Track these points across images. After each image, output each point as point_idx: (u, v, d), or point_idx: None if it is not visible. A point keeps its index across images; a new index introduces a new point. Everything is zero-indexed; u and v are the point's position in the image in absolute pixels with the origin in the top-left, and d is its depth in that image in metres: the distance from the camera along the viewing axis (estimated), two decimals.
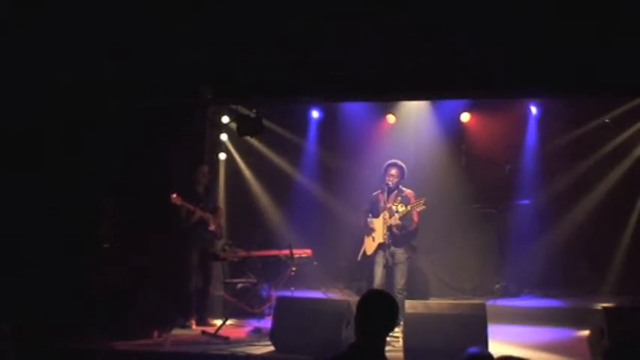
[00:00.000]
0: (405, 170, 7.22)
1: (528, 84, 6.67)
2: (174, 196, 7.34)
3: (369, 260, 7.27)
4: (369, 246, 7.26)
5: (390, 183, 7.13)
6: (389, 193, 7.14)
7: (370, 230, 7.23)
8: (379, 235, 7.07)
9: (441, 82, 6.75)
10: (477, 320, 5.90)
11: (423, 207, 6.94)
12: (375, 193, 7.36)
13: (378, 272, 7.03)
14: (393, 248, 7.01)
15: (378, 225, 7.14)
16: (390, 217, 6.97)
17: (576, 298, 8.17)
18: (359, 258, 7.43)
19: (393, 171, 7.15)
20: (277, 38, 6.75)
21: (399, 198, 7.07)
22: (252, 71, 6.89)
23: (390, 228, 6.96)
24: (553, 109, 8.82)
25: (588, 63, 6.30)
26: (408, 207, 6.94)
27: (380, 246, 7.07)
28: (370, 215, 7.34)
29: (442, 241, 8.80)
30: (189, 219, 7.56)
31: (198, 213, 7.58)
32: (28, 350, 5.96)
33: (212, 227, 7.79)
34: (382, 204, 7.16)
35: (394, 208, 6.96)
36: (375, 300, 3.36)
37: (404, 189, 7.21)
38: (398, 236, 7.04)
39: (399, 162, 7.23)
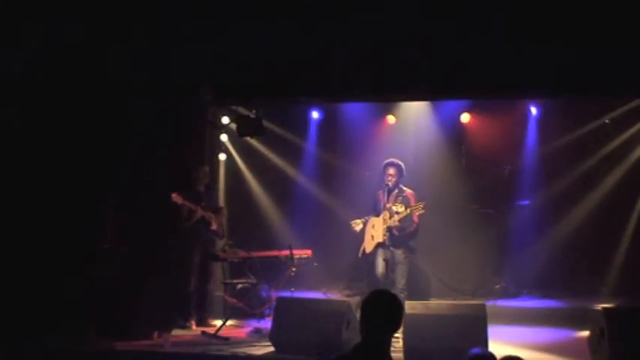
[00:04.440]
0: (404, 169, 7.23)
1: (528, 84, 6.68)
2: (175, 195, 7.34)
3: (368, 259, 7.29)
4: (369, 244, 7.28)
5: (390, 183, 7.13)
6: (389, 193, 7.15)
7: (370, 228, 7.26)
8: (379, 234, 7.08)
9: (441, 82, 6.76)
10: (477, 321, 5.89)
11: (422, 211, 6.95)
12: (379, 191, 7.37)
13: (380, 263, 7.03)
14: (392, 249, 7.02)
15: (378, 224, 7.15)
16: (390, 217, 6.98)
17: (576, 298, 8.17)
18: (359, 255, 7.44)
19: (391, 170, 7.16)
20: (277, 39, 6.76)
21: (399, 198, 7.08)
22: (252, 71, 6.90)
23: (389, 229, 6.97)
24: (553, 109, 8.82)
25: (588, 63, 6.31)
26: (408, 210, 6.93)
27: (379, 245, 7.09)
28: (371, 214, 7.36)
29: (442, 242, 8.78)
30: (191, 218, 7.55)
31: (200, 212, 7.58)
32: (28, 350, 5.98)
33: (214, 227, 7.79)
34: (383, 203, 7.17)
35: (394, 208, 6.96)
36: (379, 300, 3.35)
37: (405, 189, 7.22)
38: (397, 237, 7.05)
39: (397, 161, 7.24)
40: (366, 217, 7.41)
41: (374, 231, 7.22)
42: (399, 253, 7.08)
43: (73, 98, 7.18)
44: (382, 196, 7.22)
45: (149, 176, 7.67)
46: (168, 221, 7.61)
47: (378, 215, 7.22)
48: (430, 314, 6.05)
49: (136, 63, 7.07)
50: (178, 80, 7.10)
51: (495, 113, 8.97)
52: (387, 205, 7.06)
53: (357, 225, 7.39)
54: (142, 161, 7.70)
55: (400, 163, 7.23)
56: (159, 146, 7.77)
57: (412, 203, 7.07)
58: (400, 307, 3.34)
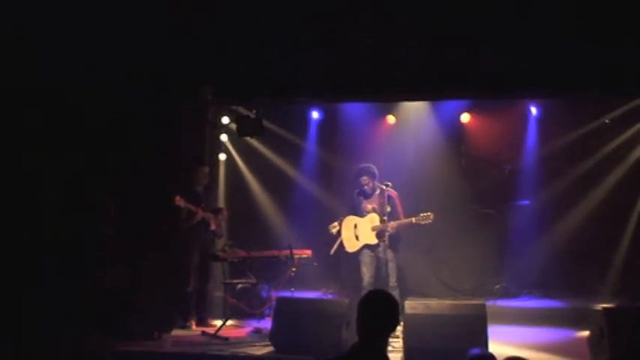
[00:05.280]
0: (375, 170, 7.30)
1: (528, 84, 6.68)
2: (178, 198, 7.35)
3: (351, 257, 7.42)
4: (352, 244, 7.31)
5: (367, 189, 7.27)
6: (369, 196, 7.28)
7: (351, 228, 7.33)
8: (366, 236, 7.18)
9: (441, 82, 6.76)
10: (477, 320, 5.89)
11: (430, 221, 7.02)
12: (356, 192, 7.42)
13: (367, 272, 7.18)
14: (380, 248, 7.10)
15: (363, 225, 7.23)
16: (382, 220, 7.04)
17: (576, 298, 8.16)
18: (332, 252, 7.52)
19: (365, 178, 7.27)
20: (277, 38, 6.75)
21: (382, 200, 7.15)
22: (252, 71, 6.90)
23: (382, 231, 7.03)
24: (553, 109, 8.81)
25: (588, 63, 6.31)
26: (413, 219, 7.03)
27: (367, 246, 7.17)
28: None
29: (442, 242, 8.79)
30: (191, 220, 7.55)
31: (200, 214, 7.58)
32: (28, 350, 5.98)
33: (213, 227, 7.79)
34: (365, 205, 7.29)
35: (388, 209, 7.06)
36: (376, 300, 3.36)
37: (387, 189, 7.21)
38: (389, 237, 7.13)
39: (366, 166, 7.32)
40: (341, 218, 7.48)
41: (358, 231, 7.28)
42: (389, 252, 7.15)
43: (73, 98, 7.18)
44: (360, 198, 7.33)
45: (149, 176, 7.67)
46: (167, 222, 7.61)
47: (361, 215, 7.29)
48: (430, 314, 6.06)
49: (136, 63, 7.07)
50: (178, 80, 7.10)
51: (495, 113, 8.97)
52: (371, 207, 7.18)
53: (335, 228, 7.46)
54: (142, 161, 7.69)
55: (369, 166, 7.31)
56: (159, 146, 7.77)
57: (397, 203, 7.20)
58: (396, 306, 3.35)
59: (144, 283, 7.22)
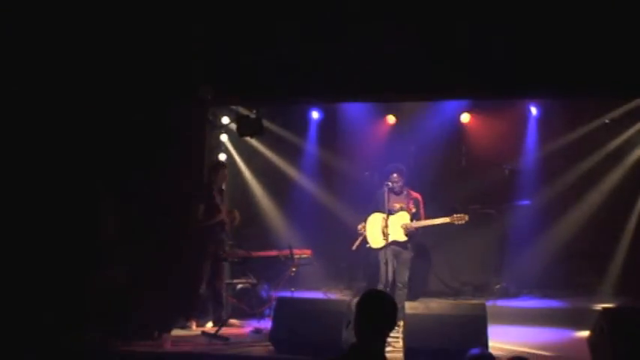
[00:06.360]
0: (405, 171, 7.34)
1: (528, 84, 6.69)
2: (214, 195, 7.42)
3: (370, 255, 7.39)
4: (378, 240, 7.23)
5: (396, 187, 7.26)
6: (397, 194, 7.29)
7: (379, 224, 7.29)
8: (396, 233, 7.13)
9: (441, 82, 6.77)
10: (477, 320, 5.89)
11: (462, 222, 7.13)
12: (381, 191, 7.38)
13: (384, 271, 7.10)
14: (406, 248, 7.17)
15: (394, 222, 7.17)
16: (414, 219, 7.15)
17: (576, 298, 8.17)
18: (354, 247, 7.45)
19: (395, 176, 7.26)
20: (277, 38, 6.76)
21: (408, 201, 7.24)
22: (252, 71, 6.91)
23: (412, 230, 7.13)
24: (553, 109, 8.82)
25: (588, 63, 6.31)
26: (449, 219, 7.11)
27: (395, 243, 7.13)
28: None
29: (442, 242, 8.78)
30: (211, 219, 7.51)
31: (222, 214, 7.57)
32: (28, 350, 5.98)
33: (227, 228, 7.78)
34: (393, 203, 7.25)
35: (413, 210, 7.19)
36: (374, 300, 3.35)
37: (411, 192, 7.36)
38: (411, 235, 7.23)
39: (398, 164, 7.35)
40: (366, 216, 7.44)
41: (386, 228, 7.19)
42: (407, 251, 7.23)
43: (76, 98, 7.19)
44: (389, 195, 7.25)
45: (150, 176, 7.67)
46: (178, 221, 7.55)
47: (390, 213, 7.20)
48: (430, 314, 6.06)
49: (136, 63, 7.07)
50: (178, 80, 7.10)
51: (495, 113, 8.98)
52: (400, 206, 7.22)
53: (364, 227, 7.42)
54: (143, 161, 7.69)
55: (402, 167, 7.36)
56: (159, 146, 7.77)
57: (421, 205, 7.30)
58: (394, 306, 3.34)
59: (145, 282, 7.22)
